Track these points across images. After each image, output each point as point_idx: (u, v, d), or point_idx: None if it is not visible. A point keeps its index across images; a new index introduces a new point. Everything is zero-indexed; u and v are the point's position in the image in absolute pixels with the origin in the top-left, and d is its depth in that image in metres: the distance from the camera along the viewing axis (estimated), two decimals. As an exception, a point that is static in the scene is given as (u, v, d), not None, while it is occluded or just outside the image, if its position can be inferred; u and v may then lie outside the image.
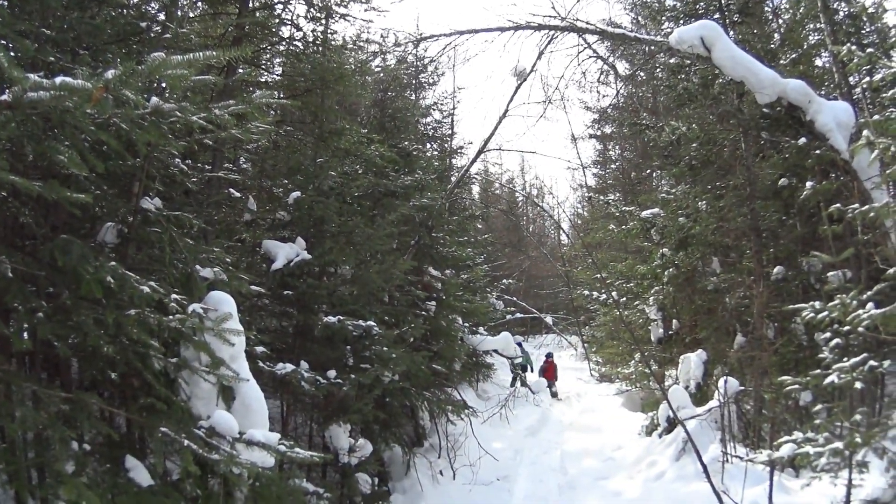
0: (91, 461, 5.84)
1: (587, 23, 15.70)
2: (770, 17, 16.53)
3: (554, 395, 28.09)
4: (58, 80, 4.28)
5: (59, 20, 6.43)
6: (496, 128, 22.48)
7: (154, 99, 5.38)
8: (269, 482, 6.57)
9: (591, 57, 19.64)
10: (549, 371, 28.94)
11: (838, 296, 8.20)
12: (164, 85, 5.90)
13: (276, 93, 12.31)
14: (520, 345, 29.22)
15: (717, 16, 14.72)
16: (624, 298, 22.78)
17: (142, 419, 6.13)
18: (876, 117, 8.27)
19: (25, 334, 5.60)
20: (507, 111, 21.98)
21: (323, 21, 12.77)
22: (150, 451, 6.10)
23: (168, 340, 6.41)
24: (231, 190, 11.11)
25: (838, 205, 9.03)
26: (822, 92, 12.70)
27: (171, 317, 6.09)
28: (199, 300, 6.69)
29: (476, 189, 44.68)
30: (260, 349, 9.60)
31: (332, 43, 12.84)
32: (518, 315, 37.89)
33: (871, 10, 13.50)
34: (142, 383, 6.34)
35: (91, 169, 5.22)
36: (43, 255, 5.68)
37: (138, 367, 6.09)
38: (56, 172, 5.98)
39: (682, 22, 15.08)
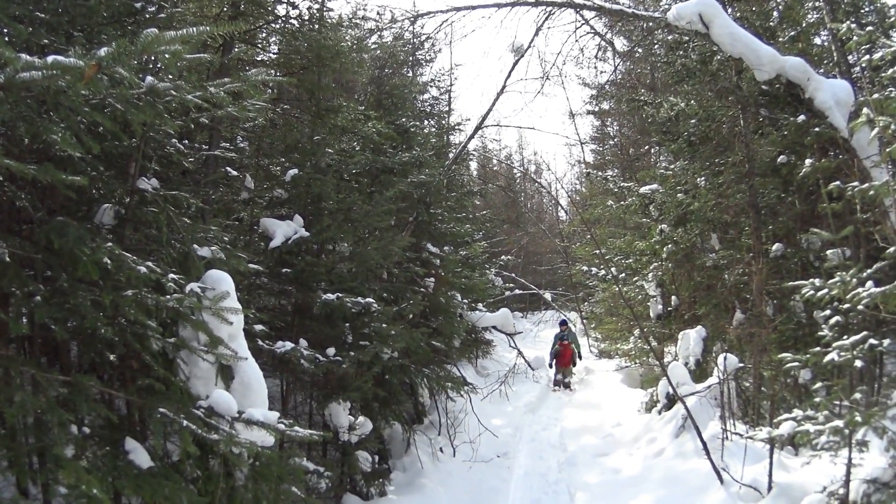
0: (91, 444, 5.84)
1: (585, -2, 15.64)
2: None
3: (567, 385, 25.03)
4: (49, 59, 4.26)
5: (52, 3, 6.39)
6: (493, 104, 22.45)
7: (149, 78, 5.36)
8: (270, 461, 6.58)
9: (588, 33, 19.53)
10: (563, 356, 24.95)
11: (838, 273, 8.20)
12: (159, 65, 5.87)
13: (271, 70, 12.27)
14: (565, 321, 27.93)
15: (715, -9, 14.65)
16: (623, 275, 22.73)
17: (140, 400, 6.12)
18: (876, 96, 8.25)
19: (25, 319, 5.59)
20: (504, 87, 21.92)
21: (319, -2, 12.73)
22: (150, 433, 6.10)
23: (166, 321, 6.39)
24: (228, 169, 11.07)
25: (838, 182, 9.02)
26: (821, 70, 12.62)
27: (168, 296, 6.08)
28: (196, 279, 6.68)
29: (474, 165, 44.66)
30: (259, 328, 9.61)
31: (329, 20, 12.76)
32: (517, 291, 37.88)
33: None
34: (141, 365, 6.34)
35: (87, 150, 5.20)
36: (40, 238, 5.66)
37: (137, 348, 6.09)
38: (52, 155, 5.96)
39: (680, -2, 15.03)
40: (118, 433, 6.18)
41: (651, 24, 15.80)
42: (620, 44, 25.45)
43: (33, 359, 6.34)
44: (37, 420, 5.44)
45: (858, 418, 7.49)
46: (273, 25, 12.81)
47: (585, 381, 25.22)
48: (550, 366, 25.32)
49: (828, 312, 9.32)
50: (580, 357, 25.83)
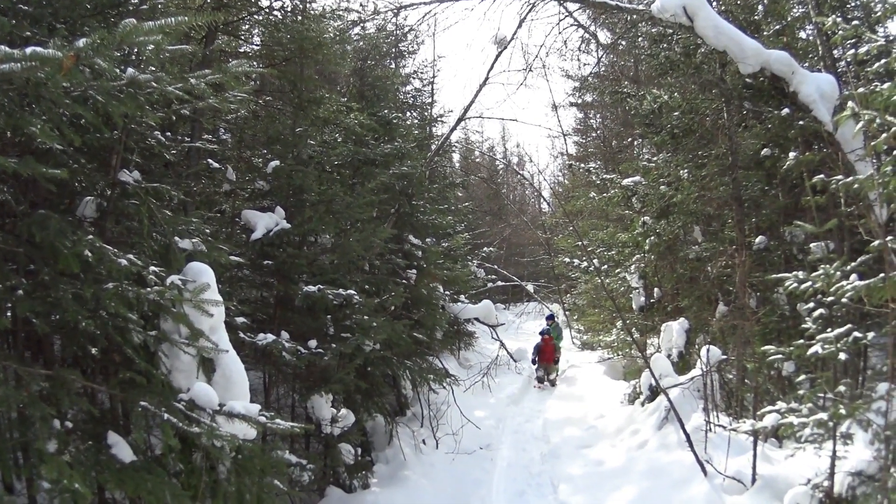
0: (73, 439, 5.81)
1: (568, -10, 15.63)
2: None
3: (552, 383, 23.95)
4: (28, 50, 4.23)
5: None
6: (476, 95, 22.53)
7: (130, 70, 5.32)
8: (252, 454, 6.54)
9: (572, 25, 19.69)
10: (546, 352, 23.79)
11: (822, 266, 8.20)
12: (141, 56, 5.83)
13: (253, 62, 12.22)
14: (551, 315, 27.31)
15: (699, -16, 14.63)
16: (605, 266, 22.77)
17: (122, 394, 6.08)
18: (861, 90, 8.24)
19: (9, 313, 5.56)
20: (487, 79, 21.98)
21: (302, -11, 12.68)
22: (133, 427, 6.07)
23: (147, 313, 6.35)
24: (210, 160, 11.01)
25: (822, 175, 9.05)
26: (806, 64, 12.62)
27: (149, 289, 6.04)
28: (177, 271, 6.64)
29: (456, 157, 44.74)
30: (240, 320, 9.57)
31: (311, 11, 12.74)
32: (499, 283, 37.89)
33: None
34: (122, 358, 6.30)
35: (69, 143, 5.18)
36: (22, 231, 5.62)
37: (118, 342, 6.04)
38: (34, 148, 5.91)
39: (664, -10, 15.00)
40: (101, 427, 6.15)
41: (635, 16, 15.79)
42: (604, 36, 25.52)
43: (16, 353, 6.30)
44: (20, 414, 5.40)
45: (843, 411, 7.51)
46: (256, 17, 12.75)
47: (568, 374, 25.03)
48: (534, 362, 24.23)
49: (811, 305, 9.35)
50: (558, 354, 24.87)
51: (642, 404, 15.66)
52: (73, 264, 5.51)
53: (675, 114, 15.62)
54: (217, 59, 11.41)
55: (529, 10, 16.18)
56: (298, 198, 11.94)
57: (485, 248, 38.00)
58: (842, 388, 8.08)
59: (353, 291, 11.44)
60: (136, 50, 5.69)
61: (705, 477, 10.64)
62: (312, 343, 10.81)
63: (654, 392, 14.91)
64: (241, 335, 9.60)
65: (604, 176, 23.19)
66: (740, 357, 12.50)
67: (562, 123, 57.90)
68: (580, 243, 22.61)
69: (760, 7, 14.50)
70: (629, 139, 28.23)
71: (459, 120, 23.81)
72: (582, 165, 28.59)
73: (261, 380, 11.80)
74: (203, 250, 7.49)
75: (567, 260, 30.03)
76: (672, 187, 16.40)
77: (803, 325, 9.10)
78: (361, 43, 18.91)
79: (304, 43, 11.68)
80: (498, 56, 21.39)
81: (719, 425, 11.80)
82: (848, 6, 13.48)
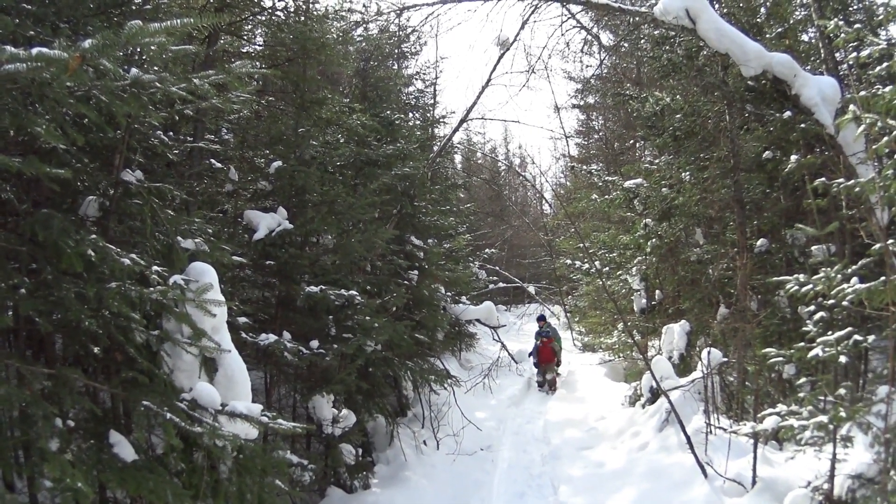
0: (75, 437, 5.81)
1: (571, -8, 15.62)
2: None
3: (551, 384, 23.35)
4: (34, 50, 4.24)
5: (39, -6, 6.35)
6: (479, 97, 22.50)
7: (134, 70, 5.34)
8: (253, 454, 6.54)
9: (574, 27, 19.61)
10: (543, 353, 23.40)
11: (823, 269, 8.21)
12: (144, 56, 5.84)
13: (256, 62, 12.24)
14: (542, 317, 26.03)
15: (702, -13, 14.63)
16: (607, 268, 22.76)
17: (124, 393, 6.09)
18: (863, 93, 8.24)
19: (10, 312, 5.57)
20: (489, 80, 21.91)
21: (305, -10, 12.70)
22: (134, 426, 6.08)
23: (150, 313, 6.36)
24: (213, 160, 11.03)
25: (823, 179, 9.03)
26: (808, 67, 12.61)
27: (152, 289, 6.05)
28: (180, 271, 6.65)
29: (458, 158, 44.73)
30: (242, 320, 9.57)
31: (314, 12, 12.75)
32: (501, 284, 37.87)
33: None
34: (125, 357, 6.31)
35: (72, 142, 5.19)
36: (25, 230, 5.64)
37: (120, 341, 6.05)
38: (37, 147, 5.92)
39: (666, -7, 15.00)
40: (102, 426, 6.16)
41: (637, 18, 15.77)
42: (606, 38, 25.49)
43: (18, 351, 6.31)
44: (22, 413, 5.41)
45: (843, 414, 7.51)
46: (259, 17, 12.75)
47: (568, 379, 24.91)
48: (536, 365, 24.05)
49: (812, 308, 9.37)
50: (558, 361, 24.14)
51: (643, 406, 15.65)
52: (75, 263, 5.52)
53: (677, 116, 15.62)
54: (220, 59, 11.44)
55: (532, 12, 16.16)
56: (301, 198, 11.97)
57: (486, 250, 38.01)
58: (842, 391, 8.07)
59: (354, 292, 11.46)
60: (139, 50, 5.70)
61: (706, 479, 10.65)
62: (314, 343, 10.82)
63: (655, 394, 14.90)
64: (243, 335, 9.61)
65: (606, 178, 23.16)
66: (741, 359, 12.49)
67: (564, 125, 57.79)
68: (582, 245, 22.58)
69: (763, 10, 14.50)
70: (631, 141, 28.28)
71: (462, 121, 23.79)
72: (584, 167, 28.53)
73: (262, 380, 11.82)
74: (205, 250, 7.51)
75: (568, 262, 30.01)
76: (674, 189, 16.39)
77: (804, 328, 9.08)
78: (364, 44, 18.95)
79: (307, 44, 11.70)
80: (500, 57, 21.29)
81: (720, 427, 11.80)
82: (850, 9, 13.47)
